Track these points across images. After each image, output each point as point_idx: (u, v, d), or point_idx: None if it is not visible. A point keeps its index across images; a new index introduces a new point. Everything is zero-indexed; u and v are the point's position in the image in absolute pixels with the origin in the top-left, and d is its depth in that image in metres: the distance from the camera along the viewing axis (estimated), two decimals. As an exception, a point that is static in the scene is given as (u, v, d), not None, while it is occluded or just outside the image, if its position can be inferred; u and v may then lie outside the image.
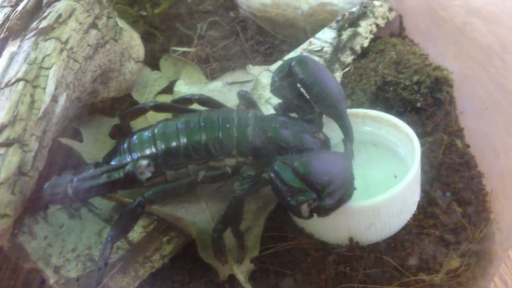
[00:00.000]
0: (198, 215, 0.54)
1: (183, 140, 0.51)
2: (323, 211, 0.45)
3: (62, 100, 0.54)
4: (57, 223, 0.53)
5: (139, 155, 0.51)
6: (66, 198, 0.46)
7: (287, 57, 0.72)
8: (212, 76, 0.73)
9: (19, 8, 0.60)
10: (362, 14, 0.76)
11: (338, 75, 0.70)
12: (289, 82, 0.54)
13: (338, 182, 0.45)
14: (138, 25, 0.87)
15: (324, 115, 0.56)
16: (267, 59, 0.79)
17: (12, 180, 0.46)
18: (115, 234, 0.47)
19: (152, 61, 0.78)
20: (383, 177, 0.56)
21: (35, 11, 0.62)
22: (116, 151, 0.53)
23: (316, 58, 0.71)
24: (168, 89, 0.69)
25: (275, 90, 0.54)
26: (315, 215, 0.45)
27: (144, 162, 0.44)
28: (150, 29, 0.87)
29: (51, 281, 0.49)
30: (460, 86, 0.66)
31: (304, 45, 0.72)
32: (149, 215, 0.53)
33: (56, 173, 0.52)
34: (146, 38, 0.85)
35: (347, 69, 0.71)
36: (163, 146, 0.51)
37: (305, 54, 0.71)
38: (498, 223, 0.53)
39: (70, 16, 0.57)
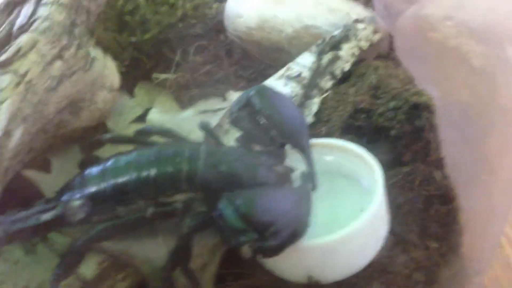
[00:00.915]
0: (154, 251, 0.52)
1: (133, 174, 0.50)
2: (267, 252, 0.43)
3: (18, 133, 0.53)
4: (13, 258, 0.52)
5: (88, 190, 0.50)
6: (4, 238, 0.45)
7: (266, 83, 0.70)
8: (190, 103, 0.71)
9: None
10: (344, 37, 0.73)
11: (316, 101, 0.68)
12: (248, 113, 0.52)
13: (284, 221, 0.43)
14: (127, 51, 0.87)
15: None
16: (251, 85, 0.78)
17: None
18: (60, 272, 0.46)
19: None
20: (349, 211, 0.53)
21: (5, 44, 0.62)
22: (69, 185, 0.52)
23: (294, 84, 0.69)
24: (142, 118, 0.68)
25: (234, 121, 0.53)
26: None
27: (77, 203, 0.43)
28: (138, 55, 0.87)
29: (0, 319, 0.48)
30: (445, 112, 0.63)
31: (282, 71, 0.70)
32: (103, 252, 0.52)
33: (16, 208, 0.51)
34: (134, 64, 0.84)
35: (325, 94, 0.69)
36: (112, 181, 0.50)
37: (282, 80, 0.70)
38: (471, 261, 0.50)
39: (31, 48, 0.57)
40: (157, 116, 0.65)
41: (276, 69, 0.78)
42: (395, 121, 0.60)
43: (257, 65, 0.82)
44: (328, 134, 0.63)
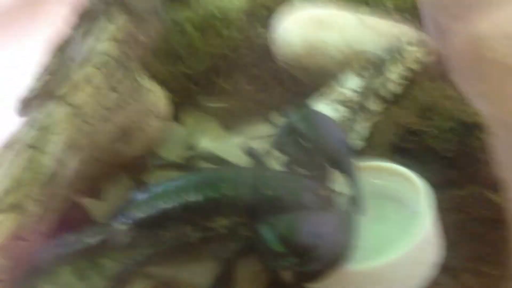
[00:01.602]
0: (201, 277, 0.52)
1: (179, 199, 0.50)
2: (308, 277, 0.42)
3: (73, 163, 0.56)
4: (66, 283, 0.54)
5: (135, 215, 0.51)
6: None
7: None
8: (239, 130, 0.73)
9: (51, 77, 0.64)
10: (393, 60, 0.72)
11: (365, 124, 0.67)
12: (293, 137, 0.52)
13: (326, 245, 0.43)
14: (179, 82, 0.89)
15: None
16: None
17: (9, 245, 0.47)
18: None
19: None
20: (397, 235, 0.51)
21: (65, 78, 0.65)
22: (117, 211, 0.54)
23: (342, 108, 0.68)
24: (192, 146, 0.69)
25: (278, 146, 0.53)
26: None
27: (122, 227, 0.44)
28: (190, 85, 0.89)
29: None
30: (505, 133, 0.60)
31: (330, 95, 0.70)
32: (150, 277, 0.53)
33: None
34: (186, 94, 0.87)
35: (375, 117, 0.68)
36: (158, 206, 0.51)
37: (330, 104, 0.69)
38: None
39: (87, 82, 0.60)
40: (207, 144, 0.67)
41: (325, 95, 0.78)
42: (447, 143, 0.58)
43: (306, 91, 0.82)
44: (378, 158, 0.62)
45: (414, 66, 0.72)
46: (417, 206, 0.52)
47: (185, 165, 0.57)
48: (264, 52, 0.94)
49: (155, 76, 0.87)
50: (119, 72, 0.66)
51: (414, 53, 0.73)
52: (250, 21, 0.95)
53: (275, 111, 0.78)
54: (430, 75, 0.74)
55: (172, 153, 0.70)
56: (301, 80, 0.84)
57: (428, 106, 0.64)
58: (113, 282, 0.48)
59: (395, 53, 0.73)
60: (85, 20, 0.73)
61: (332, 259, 0.43)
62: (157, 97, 0.71)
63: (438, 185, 0.57)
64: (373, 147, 0.65)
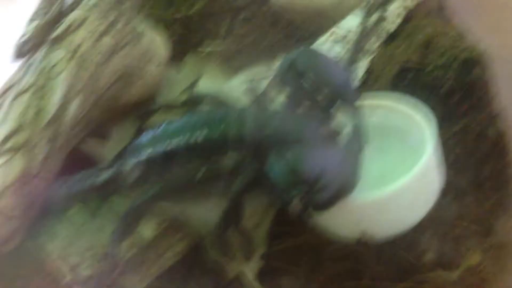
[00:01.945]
0: (209, 212, 0.53)
1: (183, 138, 0.51)
2: (317, 205, 0.43)
3: (74, 105, 0.56)
4: (79, 221, 0.55)
5: (141, 154, 0.52)
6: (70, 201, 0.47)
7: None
8: (237, 72, 0.72)
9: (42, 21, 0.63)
10: (390, -2, 0.72)
11: (362, 64, 0.67)
12: (292, 75, 0.52)
13: (333, 175, 0.44)
14: (173, 27, 0.88)
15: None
16: (297, 51, 0.77)
17: (20, 183, 0.48)
18: (120, 233, 0.48)
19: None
20: (400, 166, 0.53)
21: (57, 22, 0.64)
22: (124, 152, 0.54)
23: (339, 48, 0.68)
24: (191, 89, 0.69)
25: (279, 84, 0.53)
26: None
27: (129, 164, 0.44)
28: (184, 31, 0.88)
29: (67, 278, 0.51)
30: (503, 65, 0.61)
31: (326, 35, 0.70)
32: (159, 214, 0.54)
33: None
34: (181, 40, 0.86)
35: (371, 57, 0.68)
36: (163, 145, 0.51)
37: (327, 44, 0.69)
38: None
39: (80, 25, 0.59)
40: (205, 87, 0.67)
41: (320, 36, 0.78)
42: (445, 79, 0.59)
43: (301, 33, 0.82)
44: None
45: (409, 4, 0.72)
46: (419, 138, 0.53)
47: (187, 107, 0.57)
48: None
49: (149, 22, 0.86)
50: (111, 15, 0.65)
51: (410, -10, 0.73)
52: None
53: (272, 53, 0.78)
54: (427, 12, 0.74)
55: (171, 98, 0.70)
56: (296, 23, 0.84)
57: (423, 43, 0.64)
58: (124, 218, 0.49)
59: (391, -9, 0.73)
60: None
61: (340, 187, 0.44)
62: (155, 41, 0.70)
63: (437, 120, 0.59)
64: (370, 85, 0.65)
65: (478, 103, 0.59)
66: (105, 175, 0.46)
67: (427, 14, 0.73)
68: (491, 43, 0.60)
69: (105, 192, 0.50)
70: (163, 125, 0.54)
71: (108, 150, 0.59)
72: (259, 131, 0.50)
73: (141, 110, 0.70)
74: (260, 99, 0.56)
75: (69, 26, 0.59)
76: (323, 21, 0.82)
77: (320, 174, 0.43)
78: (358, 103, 0.53)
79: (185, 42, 0.85)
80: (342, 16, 0.78)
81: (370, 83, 0.65)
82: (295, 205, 0.43)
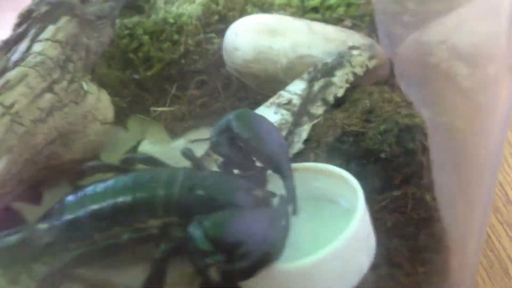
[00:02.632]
0: (134, 280, 0.51)
1: (109, 200, 0.50)
2: (236, 275, 0.41)
3: (1, 163, 0.54)
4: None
5: (67, 216, 0.50)
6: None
7: (256, 111, 0.70)
8: (183, 134, 0.72)
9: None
10: (338, 64, 0.73)
11: (307, 127, 0.67)
12: (228, 138, 0.52)
13: (255, 243, 0.42)
14: (129, 88, 0.88)
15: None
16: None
17: None
18: None
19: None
20: (332, 235, 0.51)
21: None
22: (48, 213, 0.52)
23: (284, 111, 0.69)
24: (134, 149, 0.69)
25: (214, 147, 0.52)
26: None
27: (42, 226, 0.43)
28: (140, 92, 0.88)
29: None
30: (435, 134, 0.62)
31: (272, 99, 0.70)
32: (82, 280, 0.52)
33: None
34: (136, 100, 0.86)
35: (316, 121, 0.68)
36: (89, 207, 0.50)
37: (272, 107, 0.70)
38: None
39: (20, 81, 0.59)
40: (148, 147, 0.66)
41: (269, 100, 0.78)
42: (385, 144, 0.59)
43: (253, 96, 0.83)
44: (316, 160, 0.62)
45: (359, 71, 0.73)
46: (351, 207, 0.52)
47: (121, 167, 0.56)
48: (215, 58, 0.94)
49: (102, 81, 0.86)
50: (56, 72, 0.65)
51: (359, 58, 0.74)
52: (203, 27, 0.95)
53: (220, 116, 0.78)
54: (376, 80, 0.75)
55: (114, 156, 0.69)
56: (249, 86, 0.84)
57: (368, 109, 0.65)
58: (42, 284, 0.47)
59: (342, 57, 0.74)
60: (26, 20, 0.72)
61: (261, 256, 0.43)
62: (100, 100, 0.70)
63: (377, 186, 0.58)
64: (313, 148, 0.65)
65: (418, 170, 0.58)
66: (16, 236, 0.44)
67: (376, 82, 0.74)
68: (432, 113, 0.61)
69: (18, 254, 0.48)
70: (91, 186, 0.52)
71: (38, 214, 0.57)
72: (189, 193, 0.49)
73: (80, 169, 0.69)
74: (195, 161, 0.56)
75: (7, 81, 0.58)
76: (276, 86, 0.83)
77: (240, 242, 0.42)
78: (291, 168, 0.53)
79: (140, 104, 0.85)
80: (292, 80, 0.79)
81: (311, 147, 0.65)
82: (212, 274, 0.41)
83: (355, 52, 0.74)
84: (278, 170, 0.51)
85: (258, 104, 0.82)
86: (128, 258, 0.52)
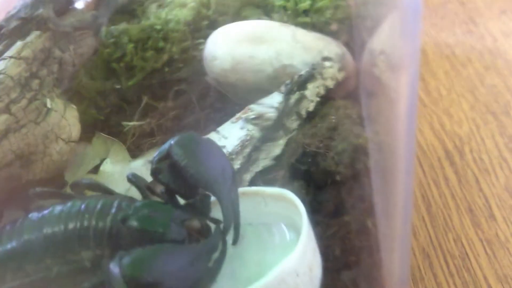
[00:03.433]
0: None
1: (41, 231, 0.49)
2: None
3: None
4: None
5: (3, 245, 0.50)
6: None
7: (221, 127, 0.68)
8: (149, 151, 0.71)
9: None
10: (310, 76, 0.71)
11: (282, 142, 0.66)
12: (168, 165, 0.51)
13: (173, 284, 0.41)
14: (109, 98, 0.88)
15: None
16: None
17: None
18: None
19: (110, 135, 0.78)
20: (275, 263, 0.49)
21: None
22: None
23: (251, 127, 0.67)
24: (96, 169, 0.68)
25: (154, 174, 0.51)
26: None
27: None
28: (120, 102, 0.88)
29: None
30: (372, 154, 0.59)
31: (240, 113, 0.69)
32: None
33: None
34: (115, 111, 0.86)
35: (290, 135, 0.66)
36: (24, 237, 0.49)
37: (239, 122, 0.68)
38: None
39: (-26, 103, 0.59)
40: (110, 167, 0.66)
41: (243, 113, 0.76)
42: (341, 165, 0.56)
43: (230, 108, 0.81)
44: (284, 178, 0.60)
45: (330, 83, 0.71)
46: (297, 233, 0.50)
47: (65, 194, 0.55)
48: (200, 66, 0.93)
49: (81, 92, 0.86)
50: (15, 92, 0.65)
51: (331, 69, 0.71)
52: (192, 33, 0.93)
53: (193, 130, 0.77)
54: (346, 92, 0.73)
55: (78, 175, 0.69)
56: (228, 96, 0.83)
57: (333, 125, 0.62)
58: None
59: (314, 69, 0.71)
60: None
61: None
62: (64, 117, 0.69)
63: (331, 210, 0.56)
64: (280, 167, 0.63)
65: (362, 193, 0.56)
66: None
67: (347, 94, 0.71)
68: (372, 130, 0.58)
69: None
70: (28, 215, 0.52)
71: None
72: (120, 224, 0.48)
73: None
74: (141, 188, 0.54)
75: (-42, 106, 0.58)
76: (258, 96, 0.80)
77: (155, 283, 0.40)
78: (236, 194, 0.51)
79: (119, 115, 0.85)
80: (277, 90, 0.77)
81: (280, 164, 0.63)
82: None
83: (327, 63, 0.72)
84: (216, 196, 0.49)
85: (233, 115, 0.80)
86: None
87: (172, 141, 0.51)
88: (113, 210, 0.49)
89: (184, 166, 0.49)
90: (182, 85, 0.88)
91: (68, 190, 0.61)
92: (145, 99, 0.82)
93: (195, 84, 0.89)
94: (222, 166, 0.50)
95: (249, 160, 0.65)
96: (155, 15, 0.99)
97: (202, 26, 0.95)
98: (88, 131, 0.77)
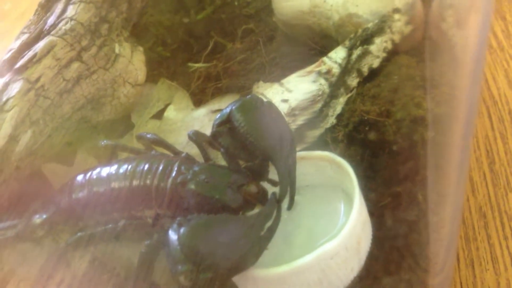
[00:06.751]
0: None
1: (109, 187, 0.53)
2: (204, 285, 0.44)
3: (26, 137, 0.60)
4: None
5: (74, 196, 0.55)
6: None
7: (285, 80, 0.68)
8: (213, 97, 0.73)
9: (17, 43, 0.67)
10: (378, 30, 0.68)
11: (342, 100, 0.65)
12: (228, 129, 0.52)
13: (223, 254, 0.44)
14: (177, 34, 0.89)
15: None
16: (286, 74, 0.76)
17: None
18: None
19: (175, 75, 0.80)
20: (328, 230, 0.52)
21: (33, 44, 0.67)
22: (61, 190, 0.57)
23: (323, 81, 0.67)
24: (160, 114, 0.71)
25: (214, 137, 0.53)
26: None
27: (37, 221, 0.47)
28: (187, 38, 0.89)
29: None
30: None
31: (313, 65, 0.68)
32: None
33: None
34: (182, 47, 0.87)
35: (350, 94, 0.66)
36: (91, 191, 0.54)
37: (312, 75, 0.67)
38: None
39: (47, 53, 0.62)
40: (173, 114, 0.69)
41: (315, 58, 0.74)
42: (398, 135, 0.56)
43: (296, 53, 0.80)
44: (344, 140, 0.61)
45: (397, 38, 0.68)
46: (351, 201, 0.51)
47: (134, 149, 0.59)
48: (266, 2, 0.91)
49: (147, 29, 0.88)
50: (86, 39, 0.67)
51: (399, 23, 0.68)
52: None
53: (258, 75, 0.77)
54: (411, 46, 0.69)
55: (143, 119, 0.73)
56: (294, 40, 0.81)
57: (392, 88, 0.61)
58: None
59: (382, 23, 0.69)
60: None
61: (229, 267, 0.44)
62: (132, 63, 0.72)
63: (385, 180, 0.57)
64: (342, 128, 0.63)
65: (416, 165, 0.56)
66: (13, 230, 0.50)
67: (411, 48, 0.68)
68: (433, 100, 0.56)
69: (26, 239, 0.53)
70: (97, 169, 0.56)
71: (70, 173, 0.61)
72: (180, 187, 0.51)
73: (115, 129, 0.73)
74: (201, 146, 0.57)
75: (34, 55, 0.62)
76: (328, 43, 0.78)
77: (209, 253, 0.44)
78: (294, 160, 0.52)
79: (186, 52, 0.86)
80: (342, 38, 0.75)
81: (342, 124, 0.64)
82: (182, 281, 0.44)
83: (396, 16, 0.69)
84: (274, 165, 0.51)
85: (299, 61, 0.79)
86: (125, 241, 0.55)
87: (233, 106, 0.52)
88: (174, 174, 0.52)
89: (243, 133, 0.50)
90: (250, 23, 0.88)
91: (134, 141, 0.64)
92: (214, 38, 0.82)
93: (262, 24, 0.88)
94: (280, 132, 0.51)
95: (320, 116, 0.65)
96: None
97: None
98: (154, 69, 0.80)
